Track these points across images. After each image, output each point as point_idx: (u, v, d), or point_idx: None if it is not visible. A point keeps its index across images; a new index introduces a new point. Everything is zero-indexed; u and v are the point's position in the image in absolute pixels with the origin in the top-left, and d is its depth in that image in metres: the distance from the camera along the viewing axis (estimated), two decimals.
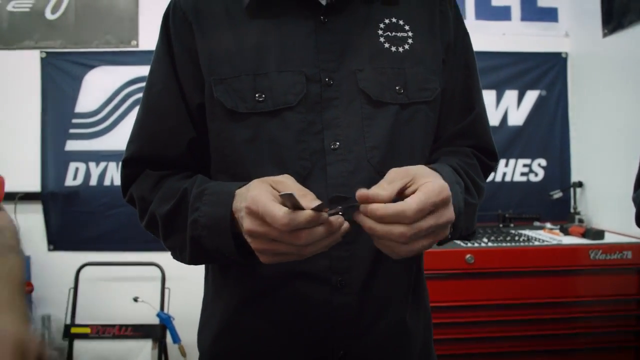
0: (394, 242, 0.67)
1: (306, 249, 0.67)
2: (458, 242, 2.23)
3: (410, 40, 0.88)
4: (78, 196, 2.90)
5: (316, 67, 0.84)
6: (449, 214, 0.69)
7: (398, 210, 0.65)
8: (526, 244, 2.24)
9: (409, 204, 0.65)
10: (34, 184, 2.88)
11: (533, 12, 3.02)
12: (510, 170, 2.98)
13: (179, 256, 0.86)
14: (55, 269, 2.85)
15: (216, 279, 0.94)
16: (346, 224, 0.68)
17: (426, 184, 0.68)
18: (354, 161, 0.83)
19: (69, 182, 2.90)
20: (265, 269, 0.76)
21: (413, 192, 0.67)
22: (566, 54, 2.99)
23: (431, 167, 0.77)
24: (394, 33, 0.88)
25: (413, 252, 0.68)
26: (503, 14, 3.02)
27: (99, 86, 2.88)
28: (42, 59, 2.89)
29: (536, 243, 2.24)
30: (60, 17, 2.90)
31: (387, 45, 0.87)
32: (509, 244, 2.22)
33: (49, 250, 2.89)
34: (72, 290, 2.69)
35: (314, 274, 0.82)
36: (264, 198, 0.66)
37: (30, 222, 2.84)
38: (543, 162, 2.98)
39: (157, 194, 0.86)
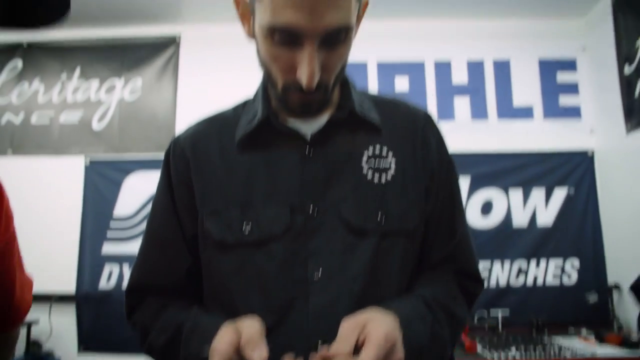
0: None
1: None
2: (486, 352, 2.16)
3: (392, 170, 0.91)
4: (111, 298, 2.95)
5: (300, 198, 0.87)
6: (397, 356, 0.71)
7: None
8: (556, 355, 2.12)
9: None
10: (69, 286, 2.97)
11: (556, 111, 3.07)
12: (541, 272, 2.89)
13: None
14: None
15: None
16: None
17: (373, 333, 0.70)
18: (336, 291, 0.84)
19: (103, 284, 2.98)
20: None
21: (364, 341, 0.70)
22: (592, 151, 2.99)
23: (387, 306, 0.79)
24: (377, 162, 0.91)
25: None
26: (525, 113, 3.08)
27: (136, 191, 3.04)
28: (86, 165, 3.10)
29: (567, 354, 2.12)
30: (106, 127, 3.14)
31: (370, 176, 0.90)
32: (538, 356, 2.11)
33: (79, 351, 2.91)
34: None
35: None
36: (218, 352, 0.71)
37: (63, 323, 2.90)
38: (576, 262, 2.89)
39: (156, 325, 0.90)
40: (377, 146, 0.92)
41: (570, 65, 3.10)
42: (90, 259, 3.00)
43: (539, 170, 2.98)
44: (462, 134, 3.02)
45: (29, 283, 1.03)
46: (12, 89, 3.19)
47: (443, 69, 3.08)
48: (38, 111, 3.16)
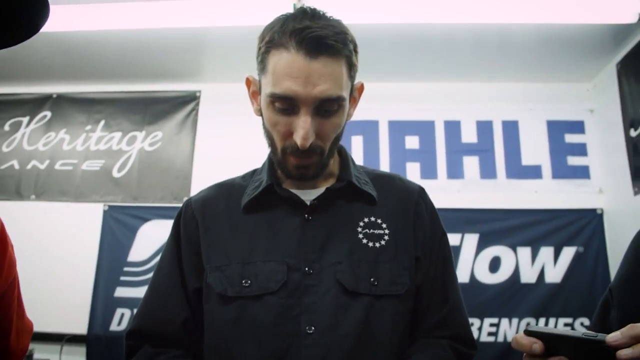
0: None
1: None
2: None
3: (386, 237, 0.99)
4: (120, 341, 2.94)
5: (298, 258, 0.95)
6: None
7: None
8: None
9: None
10: (81, 327, 3.01)
11: (564, 170, 3.11)
12: None
13: None
14: None
15: None
16: None
17: None
18: (327, 346, 0.90)
19: (114, 326, 3.03)
20: None
21: None
22: (601, 210, 3.00)
23: None
24: (371, 230, 0.99)
25: None
26: (534, 172, 3.13)
27: (150, 238, 3.12)
28: (104, 211, 3.20)
29: None
30: (125, 175, 3.26)
31: (364, 240, 0.98)
32: None
33: None
34: None
35: None
36: None
37: None
38: (586, 321, 2.87)
39: None
40: (372, 217, 1.01)
41: (578, 126, 3.16)
42: (103, 302, 3.06)
43: (548, 228, 3.00)
44: (471, 192, 3.08)
45: (27, 328, 1.06)
46: (39, 137, 3.35)
47: (453, 129, 3.17)
48: (62, 159, 3.31)
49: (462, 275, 2.91)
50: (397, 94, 3.13)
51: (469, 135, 3.17)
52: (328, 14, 0.94)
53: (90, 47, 2.88)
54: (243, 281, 0.95)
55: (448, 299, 1.03)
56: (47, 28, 2.61)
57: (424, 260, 1.01)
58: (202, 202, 1.07)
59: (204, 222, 1.04)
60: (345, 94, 0.92)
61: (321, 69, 0.87)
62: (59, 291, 3.02)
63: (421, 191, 1.08)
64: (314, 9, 0.94)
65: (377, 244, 0.98)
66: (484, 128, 3.17)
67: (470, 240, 2.97)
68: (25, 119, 3.40)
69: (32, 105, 3.42)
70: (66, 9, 2.40)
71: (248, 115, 0.96)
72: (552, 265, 2.96)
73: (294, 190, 1.02)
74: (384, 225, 1.00)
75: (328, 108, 0.91)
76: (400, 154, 3.13)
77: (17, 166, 3.32)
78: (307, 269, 0.94)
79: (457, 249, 2.95)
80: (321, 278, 0.94)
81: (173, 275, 1.04)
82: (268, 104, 0.93)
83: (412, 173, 3.08)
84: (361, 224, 0.99)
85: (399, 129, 3.18)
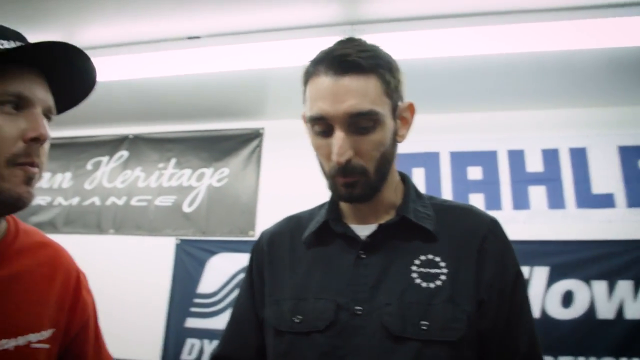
0: None
1: None
2: None
3: (442, 277, 0.91)
4: None
5: (348, 297, 0.93)
6: None
7: None
8: None
9: None
10: (154, 355, 3.15)
11: None
12: None
13: None
14: None
15: None
16: None
17: None
18: None
19: (185, 356, 3.13)
20: None
21: None
22: None
23: None
24: (427, 269, 0.92)
25: None
26: (606, 201, 2.97)
27: (218, 270, 3.22)
28: (176, 245, 3.36)
29: None
30: (195, 210, 3.41)
31: (417, 280, 0.92)
32: None
33: None
34: None
35: None
36: None
37: None
38: None
39: None
40: (430, 254, 0.94)
41: None
42: (174, 332, 3.18)
43: (625, 260, 2.80)
44: (538, 223, 2.97)
45: None
46: (117, 175, 3.60)
47: (517, 158, 3.09)
48: (138, 195, 3.53)
49: (532, 310, 2.79)
50: (457, 124, 3.11)
51: (534, 164, 3.08)
52: (363, 39, 0.95)
53: (162, 91, 3.08)
54: (294, 317, 0.96)
55: (518, 348, 0.92)
56: (122, 76, 2.84)
57: (491, 304, 0.92)
58: (271, 236, 1.11)
59: (269, 256, 1.07)
60: (380, 110, 0.90)
61: (348, 85, 0.88)
62: (134, 320, 3.17)
63: (492, 224, 0.99)
64: (351, 37, 0.96)
65: (432, 285, 0.91)
66: (550, 156, 3.07)
67: (540, 273, 2.86)
68: (105, 159, 3.66)
69: (111, 145, 3.69)
70: (139, 58, 2.60)
71: (309, 149, 0.99)
72: (631, 299, 2.78)
73: (354, 225, 1.00)
74: (443, 264, 0.93)
75: (363, 125, 0.89)
76: (463, 186, 3.09)
77: (98, 202, 3.57)
78: (356, 308, 0.92)
79: (526, 282, 2.84)
80: (369, 320, 0.90)
81: (247, 304, 1.08)
82: (310, 129, 0.95)
83: (476, 204, 2.98)
84: (416, 262, 0.94)
85: (460, 160, 3.14)
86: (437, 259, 0.94)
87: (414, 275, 0.93)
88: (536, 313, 2.80)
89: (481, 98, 3.04)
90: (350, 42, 0.94)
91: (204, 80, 2.85)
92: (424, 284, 0.91)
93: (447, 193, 3.08)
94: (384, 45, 0.98)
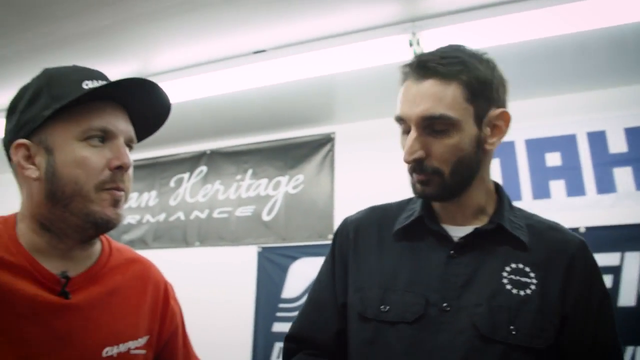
0: None
1: None
2: None
3: (532, 287, 0.94)
4: None
5: (438, 294, 0.96)
6: None
7: None
8: None
9: None
10: None
11: None
12: None
13: None
14: None
15: None
16: None
17: None
18: None
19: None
20: None
21: None
22: None
23: None
24: (517, 277, 0.95)
25: None
26: None
27: (300, 275, 3.30)
28: (258, 253, 3.47)
29: None
30: (273, 218, 3.53)
31: (508, 287, 0.94)
32: None
33: None
34: None
35: None
36: None
37: None
38: None
39: None
40: (521, 264, 0.97)
41: None
42: (262, 337, 3.28)
43: None
44: (626, 207, 2.81)
45: None
46: (199, 190, 3.79)
47: (598, 140, 2.95)
48: (219, 208, 3.69)
49: (627, 298, 2.65)
50: (530, 111, 3.02)
51: (617, 144, 2.92)
52: (456, 44, 1.01)
53: (234, 106, 3.21)
54: (382, 306, 0.99)
55: None
56: (196, 96, 2.99)
57: (574, 321, 0.94)
58: (357, 223, 1.14)
59: (355, 242, 1.11)
60: (456, 115, 0.93)
61: (427, 90, 0.94)
62: (222, 327, 3.31)
63: (581, 245, 1.00)
64: (450, 44, 1.02)
65: (522, 292, 0.94)
66: (635, 135, 2.91)
67: (633, 259, 2.70)
68: (186, 175, 3.87)
69: (191, 162, 3.89)
70: (210, 76, 2.73)
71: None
72: None
73: (444, 225, 1.04)
74: (532, 275, 0.95)
75: (438, 128, 0.94)
76: (542, 173, 2.99)
77: (182, 217, 3.78)
78: (445, 305, 0.95)
79: (618, 269, 2.69)
80: (457, 317, 0.93)
81: (328, 288, 1.11)
82: (399, 127, 1.02)
83: (557, 192, 2.91)
84: (507, 269, 0.96)
85: (537, 146, 3.04)
86: (527, 269, 0.96)
87: (505, 280, 0.95)
88: (631, 301, 2.66)
89: (553, 81, 2.93)
90: (440, 49, 1.00)
91: (272, 91, 2.95)
92: (515, 291, 0.94)
93: (525, 183, 2.99)
94: (447, 39, 1.02)
